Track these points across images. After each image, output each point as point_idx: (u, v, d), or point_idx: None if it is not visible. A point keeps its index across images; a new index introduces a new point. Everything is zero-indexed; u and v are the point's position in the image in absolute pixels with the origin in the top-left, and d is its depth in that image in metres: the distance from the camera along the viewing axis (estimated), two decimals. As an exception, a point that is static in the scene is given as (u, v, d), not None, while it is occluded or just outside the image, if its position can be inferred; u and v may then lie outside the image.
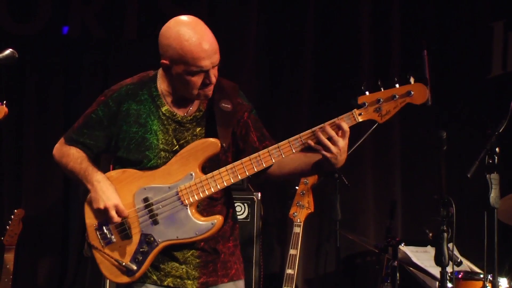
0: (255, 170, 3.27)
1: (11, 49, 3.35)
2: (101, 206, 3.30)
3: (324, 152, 3.21)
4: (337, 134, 3.21)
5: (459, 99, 6.06)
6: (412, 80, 3.23)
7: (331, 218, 5.20)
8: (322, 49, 6.13)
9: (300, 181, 5.00)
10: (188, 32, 3.20)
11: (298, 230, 4.96)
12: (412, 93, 3.21)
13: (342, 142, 3.20)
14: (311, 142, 3.23)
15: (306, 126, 6.01)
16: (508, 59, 6.03)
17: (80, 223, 5.75)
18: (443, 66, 5.95)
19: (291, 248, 4.93)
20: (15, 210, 5.22)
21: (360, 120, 3.23)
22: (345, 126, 3.20)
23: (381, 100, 3.21)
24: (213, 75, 3.25)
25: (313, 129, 3.25)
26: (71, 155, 3.40)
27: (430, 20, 6.19)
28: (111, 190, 3.31)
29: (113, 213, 3.29)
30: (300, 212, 4.99)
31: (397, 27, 6.18)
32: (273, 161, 3.27)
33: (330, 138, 3.20)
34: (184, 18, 3.29)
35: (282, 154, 3.26)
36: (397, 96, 3.21)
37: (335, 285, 5.95)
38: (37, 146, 5.83)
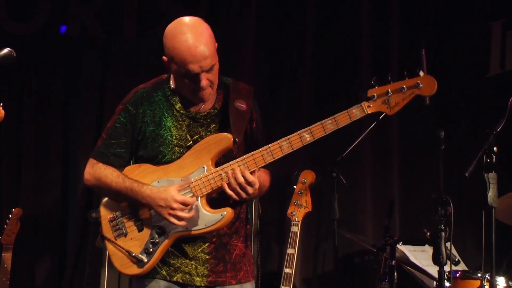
0: (265, 162, 3.32)
1: (9, 49, 3.34)
2: (169, 211, 3.29)
3: (234, 196, 3.29)
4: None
5: (457, 98, 6.06)
6: (421, 73, 3.27)
7: (329, 217, 5.20)
8: (321, 49, 6.13)
9: (298, 180, 5.01)
10: (182, 35, 3.26)
11: (296, 229, 4.95)
12: (421, 85, 3.26)
13: (251, 190, 3.28)
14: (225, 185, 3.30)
15: (306, 125, 6.04)
16: (506, 58, 6.03)
17: (78, 222, 5.77)
18: (441, 65, 5.95)
19: (289, 247, 4.92)
20: (13, 209, 5.21)
21: (369, 112, 3.28)
22: (251, 178, 3.26)
23: (390, 92, 3.26)
24: (205, 79, 3.30)
25: (329, 118, 3.30)
26: (109, 176, 3.39)
27: (428, 19, 6.20)
28: (163, 193, 3.30)
29: (181, 207, 3.28)
30: (298, 211, 4.99)
31: (396, 26, 6.18)
32: (283, 153, 3.30)
33: (240, 184, 3.26)
34: (185, 19, 3.35)
35: (292, 146, 3.29)
36: (405, 88, 3.26)
37: (333, 284, 5.95)
38: (36, 146, 5.84)
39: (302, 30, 6.12)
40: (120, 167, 3.43)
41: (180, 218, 3.28)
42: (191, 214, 3.30)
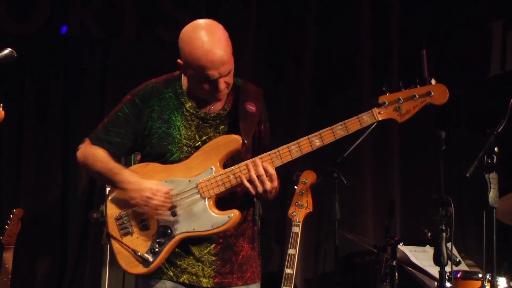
0: (274, 165, 3.30)
1: (10, 49, 3.34)
2: (138, 199, 3.31)
3: (251, 190, 3.28)
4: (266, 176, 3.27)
5: (458, 99, 6.05)
6: (433, 81, 3.27)
7: (330, 217, 5.20)
8: (322, 49, 6.13)
9: (299, 180, 5.01)
10: (199, 40, 3.23)
11: (297, 229, 4.95)
12: (433, 93, 3.27)
13: (269, 186, 3.27)
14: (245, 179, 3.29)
15: (306, 126, 6.03)
16: (507, 58, 6.03)
17: (78, 222, 5.77)
18: (442, 66, 5.95)
19: (290, 248, 4.92)
20: (14, 210, 5.22)
21: (380, 118, 3.29)
22: (271, 170, 3.26)
23: (401, 99, 3.27)
24: (223, 83, 3.29)
25: (339, 124, 3.28)
26: (97, 155, 3.41)
27: (429, 20, 6.20)
28: (140, 182, 3.32)
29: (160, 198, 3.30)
30: (299, 211, 4.99)
31: (396, 26, 6.18)
32: (292, 157, 3.29)
33: (259, 177, 3.26)
34: (202, 23, 3.30)
35: (301, 150, 3.29)
36: (417, 96, 3.27)
37: (334, 284, 5.95)
38: (36, 146, 5.83)
39: (303, 31, 6.11)
40: (113, 155, 3.42)
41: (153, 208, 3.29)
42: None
